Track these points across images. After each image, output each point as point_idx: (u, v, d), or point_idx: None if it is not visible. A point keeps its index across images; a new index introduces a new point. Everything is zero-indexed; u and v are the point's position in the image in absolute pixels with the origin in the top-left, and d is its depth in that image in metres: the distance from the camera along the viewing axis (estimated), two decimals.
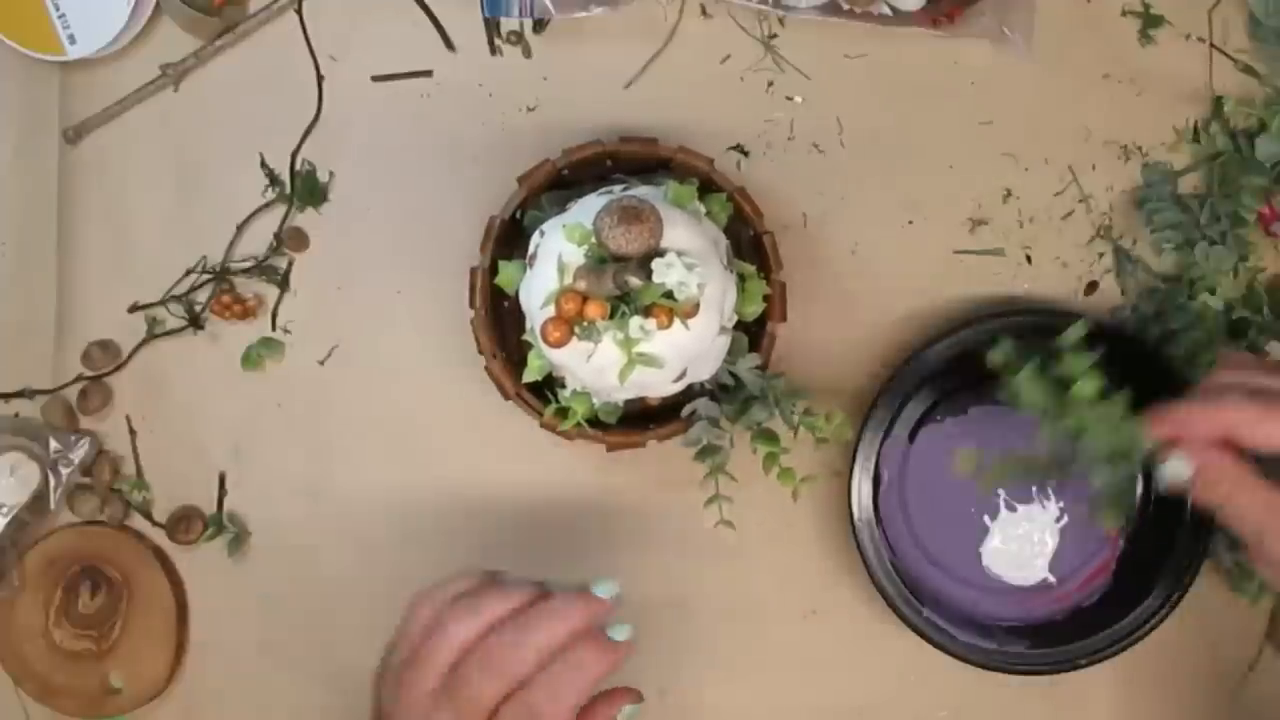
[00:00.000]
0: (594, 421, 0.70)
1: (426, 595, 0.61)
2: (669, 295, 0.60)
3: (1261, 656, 0.79)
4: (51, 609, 0.77)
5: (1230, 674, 0.79)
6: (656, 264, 0.60)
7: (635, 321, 0.60)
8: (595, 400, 0.69)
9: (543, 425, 0.71)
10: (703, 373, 0.67)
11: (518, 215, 0.71)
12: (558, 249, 0.62)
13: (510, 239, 0.71)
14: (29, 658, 0.77)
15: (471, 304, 0.71)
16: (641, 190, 0.65)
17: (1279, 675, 0.79)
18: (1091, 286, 0.78)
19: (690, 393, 0.69)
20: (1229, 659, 0.79)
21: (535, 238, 0.65)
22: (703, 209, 0.67)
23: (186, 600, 0.78)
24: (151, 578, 0.77)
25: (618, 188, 0.67)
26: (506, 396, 0.71)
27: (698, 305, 0.61)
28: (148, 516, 0.78)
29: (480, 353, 0.72)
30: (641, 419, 0.72)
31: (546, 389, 0.70)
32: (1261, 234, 0.76)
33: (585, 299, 0.60)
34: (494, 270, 0.70)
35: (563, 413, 0.69)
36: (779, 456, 0.70)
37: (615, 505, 0.78)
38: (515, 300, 0.68)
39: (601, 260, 0.60)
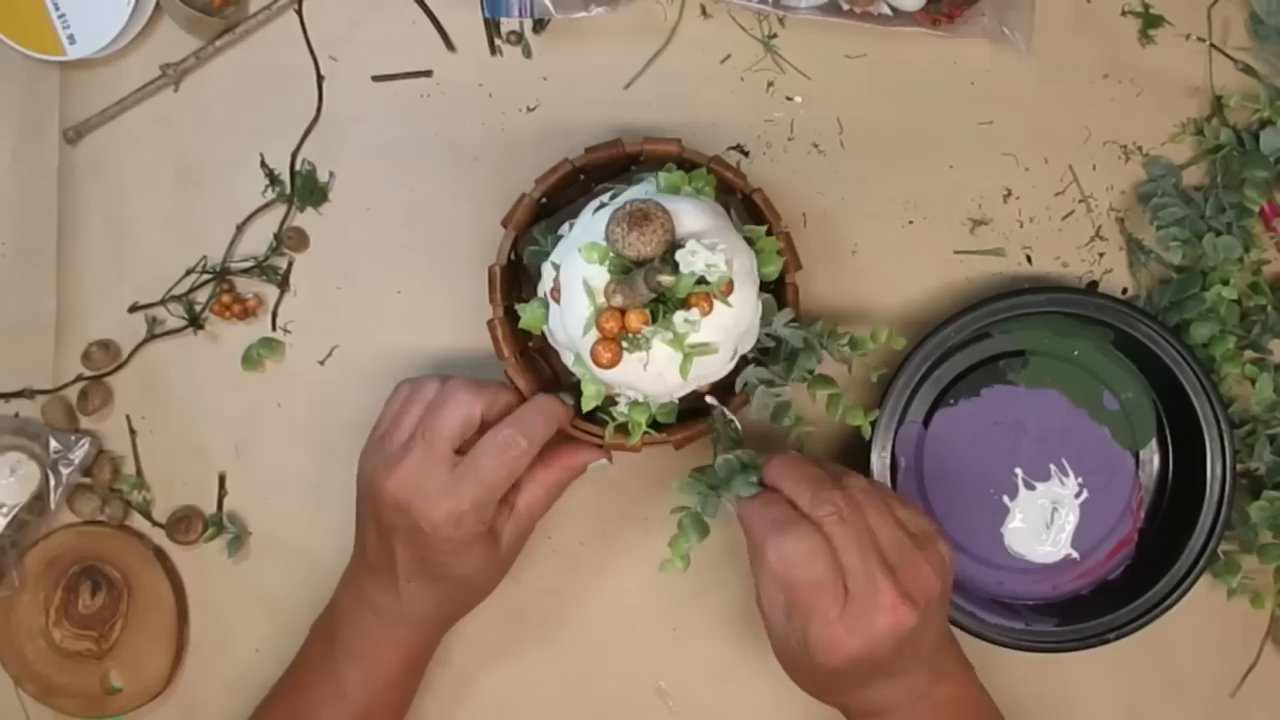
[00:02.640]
0: (652, 424, 0.69)
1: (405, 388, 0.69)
2: (701, 281, 0.60)
3: (1261, 656, 0.79)
4: (51, 609, 0.77)
5: (1230, 674, 0.79)
6: (680, 255, 0.59)
7: (679, 316, 0.59)
8: (653, 404, 0.68)
9: (605, 447, 0.70)
10: (747, 344, 0.66)
11: (512, 257, 0.71)
12: (580, 274, 0.61)
13: (510, 279, 0.70)
14: (29, 658, 0.77)
15: (500, 354, 0.70)
16: (634, 191, 0.65)
17: (1279, 675, 0.79)
18: (1092, 286, 0.78)
19: (736, 368, 0.68)
20: (1229, 659, 0.79)
21: (547, 271, 0.64)
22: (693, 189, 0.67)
23: (186, 600, 0.78)
24: (151, 578, 0.77)
25: (605, 196, 0.66)
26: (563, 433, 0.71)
27: (731, 281, 0.60)
28: (148, 516, 0.78)
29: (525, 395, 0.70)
30: (693, 409, 0.71)
31: (598, 409, 0.68)
32: (1264, 229, 0.76)
33: (624, 312, 0.59)
34: (508, 315, 0.69)
35: (622, 428, 0.68)
36: (841, 396, 0.68)
37: (614, 506, 0.78)
38: (531, 337, 0.68)
39: (626, 270, 0.60)
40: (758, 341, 0.68)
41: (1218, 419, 0.73)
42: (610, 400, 0.67)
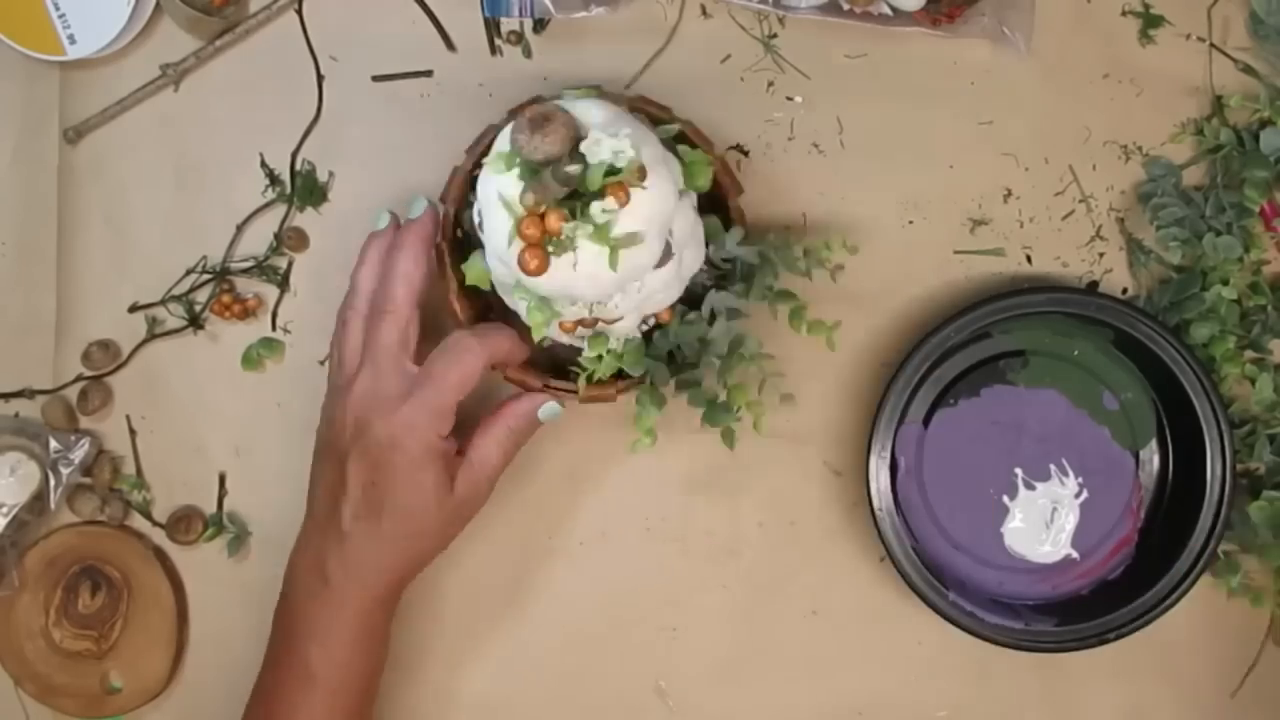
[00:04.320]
0: (623, 375, 0.69)
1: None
2: (612, 171, 0.59)
3: (1261, 656, 0.79)
4: (51, 609, 0.77)
5: (1230, 674, 0.79)
6: (585, 146, 0.59)
7: (596, 207, 0.59)
8: (612, 341, 0.68)
9: (583, 400, 0.70)
10: (691, 260, 0.66)
11: (458, 234, 0.71)
12: (494, 189, 0.61)
13: (460, 255, 0.71)
14: (29, 658, 0.77)
15: (457, 323, 0.70)
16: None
17: (1279, 675, 0.79)
18: (1092, 286, 0.78)
19: (699, 295, 0.69)
20: (1229, 659, 0.79)
21: (475, 212, 0.64)
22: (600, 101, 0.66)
23: (186, 600, 0.78)
24: (151, 578, 0.77)
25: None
26: (533, 389, 0.71)
27: (643, 167, 0.60)
28: (148, 516, 0.78)
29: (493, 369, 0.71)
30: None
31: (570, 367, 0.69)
32: (1264, 229, 0.76)
33: (544, 217, 0.59)
34: (460, 279, 0.69)
35: (598, 385, 0.68)
36: (804, 309, 0.69)
37: (613, 506, 0.78)
38: (489, 307, 0.68)
39: (535, 172, 0.60)
40: (714, 267, 0.68)
41: (1218, 419, 0.73)
42: (578, 355, 0.68)
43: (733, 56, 0.77)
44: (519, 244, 0.60)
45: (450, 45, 0.78)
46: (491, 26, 0.77)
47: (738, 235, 0.69)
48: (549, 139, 0.58)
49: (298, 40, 0.77)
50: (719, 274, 0.70)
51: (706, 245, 0.69)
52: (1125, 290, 0.78)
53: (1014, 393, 0.76)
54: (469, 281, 0.68)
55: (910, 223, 0.78)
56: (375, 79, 0.78)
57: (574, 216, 0.59)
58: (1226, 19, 0.77)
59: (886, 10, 0.75)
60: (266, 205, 0.78)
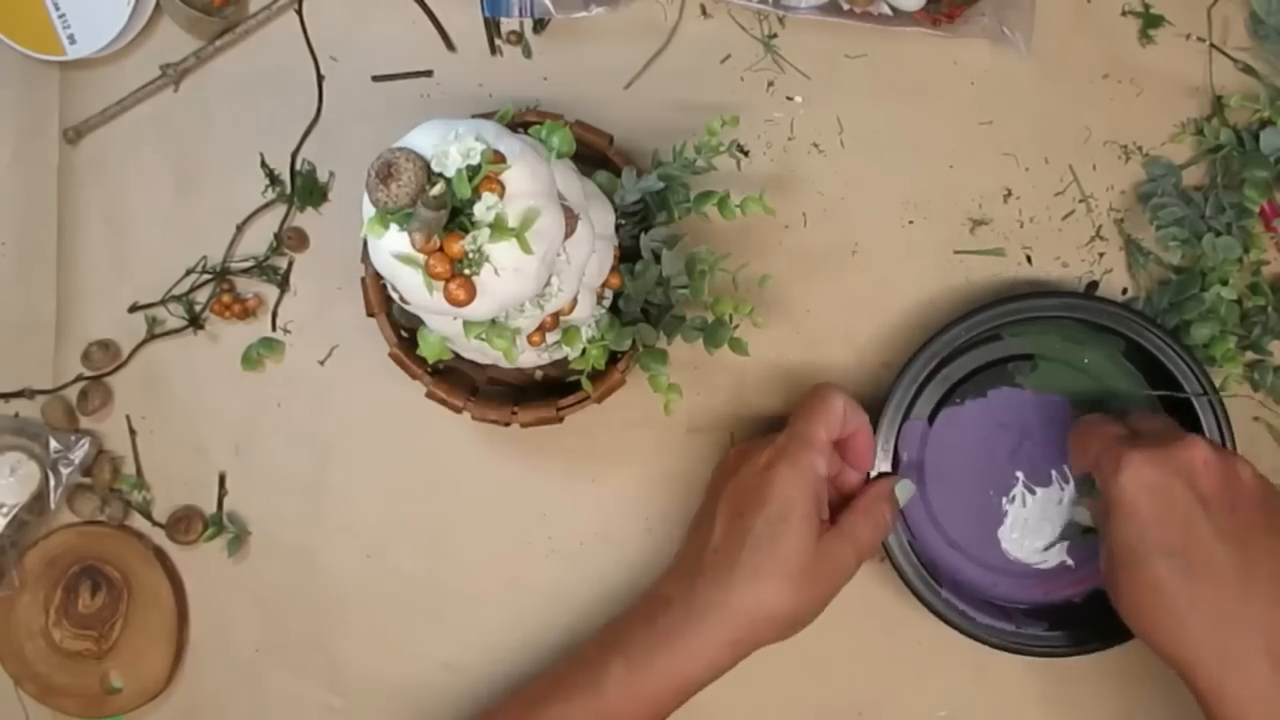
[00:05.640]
0: (616, 356, 0.70)
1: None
2: (475, 171, 0.58)
3: None
4: (51, 609, 0.77)
5: None
6: (435, 165, 0.58)
7: (480, 208, 0.58)
8: (585, 330, 0.68)
9: (599, 398, 0.71)
10: (601, 217, 0.67)
11: (402, 334, 0.72)
12: (386, 252, 0.59)
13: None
14: (29, 658, 0.77)
15: (414, 377, 0.71)
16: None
17: None
18: (1092, 286, 0.78)
19: (633, 249, 0.71)
20: None
21: (392, 290, 0.63)
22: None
23: (186, 600, 0.78)
24: (151, 578, 0.77)
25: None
26: (506, 424, 0.71)
27: (498, 151, 0.59)
28: (148, 516, 0.78)
29: (471, 418, 0.72)
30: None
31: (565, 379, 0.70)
32: (1264, 229, 0.76)
33: (442, 248, 0.58)
34: (415, 346, 0.69)
35: (572, 388, 0.69)
36: (729, 196, 0.69)
37: (613, 505, 0.78)
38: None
39: (409, 215, 0.58)
40: (631, 215, 0.69)
41: (1221, 434, 0.72)
42: (569, 365, 0.69)
43: (733, 56, 0.77)
44: (438, 286, 0.59)
45: (450, 45, 0.78)
46: (491, 26, 0.77)
47: (632, 175, 0.69)
48: (403, 180, 0.57)
49: (298, 40, 0.77)
50: (639, 219, 0.70)
51: (612, 201, 0.69)
52: (1125, 290, 0.78)
53: (1021, 396, 0.76)
54: (432, 359, 0.67)
55: (910, 223, 0.78)
56: (375, 79, 0.78)
57: (467, 230, 0.58)
58: (1226, 19, 0.77)
59: (886, 10, 0.75)
60: (266, 205, 0.78)
